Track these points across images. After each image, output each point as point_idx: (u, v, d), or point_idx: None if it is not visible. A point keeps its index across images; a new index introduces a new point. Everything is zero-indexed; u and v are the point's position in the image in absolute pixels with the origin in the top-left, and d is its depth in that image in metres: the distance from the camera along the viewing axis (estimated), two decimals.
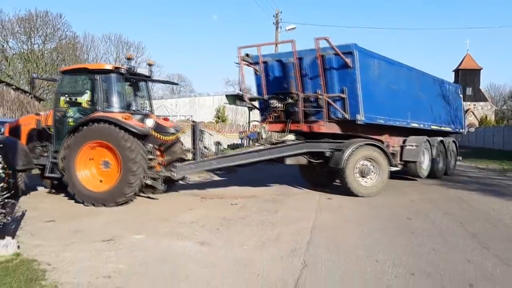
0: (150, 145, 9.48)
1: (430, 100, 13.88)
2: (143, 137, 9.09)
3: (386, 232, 6.84)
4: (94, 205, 8.65)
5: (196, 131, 10.00)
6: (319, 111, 10.49)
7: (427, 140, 12.95)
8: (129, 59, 9.94)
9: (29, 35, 40.05)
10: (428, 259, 5.45)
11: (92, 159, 9.10)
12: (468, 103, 62.13)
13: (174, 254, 5.60)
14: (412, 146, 12.41)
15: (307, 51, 10.50)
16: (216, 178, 13.35)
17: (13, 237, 5.59)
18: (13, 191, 6.37)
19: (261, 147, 11.01)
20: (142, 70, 10.21)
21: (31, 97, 27.08)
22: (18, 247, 5.43)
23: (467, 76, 62.65)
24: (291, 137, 11.39)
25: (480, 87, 64.49)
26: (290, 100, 10.62)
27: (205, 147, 10.27)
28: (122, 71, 9.37)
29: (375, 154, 10.54)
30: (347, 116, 10.20)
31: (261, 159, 10.62)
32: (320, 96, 10.32)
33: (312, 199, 9.99)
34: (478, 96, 63.17)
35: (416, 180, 13.23)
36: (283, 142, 11.12)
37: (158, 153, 10.02)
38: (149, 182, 9.20)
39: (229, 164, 10.36)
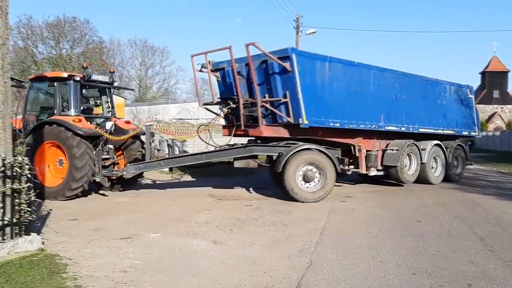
0: (109, 146, 10.62)
1: (418, 102, 13.21)
2: (94, 138, 10.12)
3: (394, 234, 7.00)
4: (49, 199, 9.49)
5: (147, 133, 10.81)
6: (265, 115, 10.61)
7: (413, 144, 12.60)
8: (85, 67, 10.77)
9: (58, 40, 41.19)
10: (432, 260, 5.61)
11: (49, 158, 10.10)
12: (495, 106, 60.99)
13: (188, 252, 5.91)
14: (392, 150, 12.21)
15: (254, 57, 10.45)
16: (234, 180, 13.65)
17: (38, 234, 6.01)
18: (38, 191, 6.86)
19: (209, 150, 11.55)
20: (99, 77, 11.03)
21: None
22: (43, 243, 5.85)
23: (494, 79, 61.45)
24: None
25: (508, 90, 63.09)
26: (231, 105, 10.82)
27: (157, 149, 11.36)
28: (77, 79, 10.19)
29: (319, 159, 10.24)
30: (290, 120, 10.12)
31: (208, 161, 11.00)
32: (254, 101, 10.39)
33: (326, 201, 10.14)
34: (506, 99, 61.81)
35: (433, 184, 13.22)
36: (233, 145, 11.36)
37: (119, 153, 11.16)
38: (97, 179, 10.05)
39: (177, 165, 11.34)
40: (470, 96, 15.46)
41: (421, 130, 13.15)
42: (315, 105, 10.22)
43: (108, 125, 10.72)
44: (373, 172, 12.07)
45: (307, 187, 10.20)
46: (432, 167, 13.52)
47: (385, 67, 12.30)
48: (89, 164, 9.70)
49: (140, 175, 11.45)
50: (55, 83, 10.15)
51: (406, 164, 12.57)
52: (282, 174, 10.09)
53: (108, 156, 10.69)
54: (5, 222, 5.40)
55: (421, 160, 12.87)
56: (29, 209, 5.71)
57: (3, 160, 5.39)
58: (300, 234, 6.95)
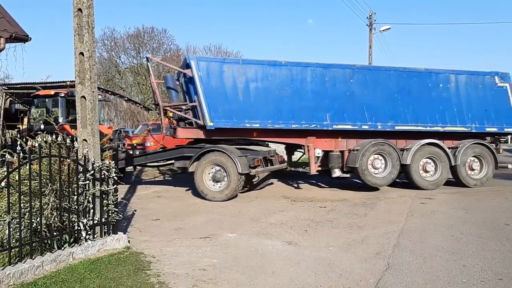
0: None
1: (393, 97, 11.69)
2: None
3: (478, 238, 6.63)
4: None
5: (114, 137, 12.36)
6: (183, 119, 11.54)
7: (384, 143, 11.46)
8: (69, 86, 13.00)
9: (138, 50, 43.54)
10: None
11: None
12: None
13: (263, 251, 6.02)
14: (354, 150, 11.52)
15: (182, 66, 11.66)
16: (308, 183, 13.62)
17: (124, 233, 6.43)
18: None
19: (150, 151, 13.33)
20: None
21: (141, 108, 29.71)
22: (129, 241, 6.24)
23: None
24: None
25: None
26: (157, 110, 12.16)
27: (122, 151, 12.86)
28: (62, 95, 12.25)
29: (223, 160, 10.44)
30: (201, 122, 10.77)
31: (153, 161, 12.35)
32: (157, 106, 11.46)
33: (404, 203, 9.85)
34: None
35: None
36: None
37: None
38: None
39: (133, 164, 12.98)
40: (500, 84, 12.51)
41: (398, 128, 11.71)
42: (223, 107, 10.72)
43: None
44: (336, 174, 11.79)
45: (214, 187, 10.57)
46: (427, 170, 11.90)
47: (333, 63, 11.53)
48: None
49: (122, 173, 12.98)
50: (46, 99, 11.70)
51: (378, 165, 11.51)
52: (194, 175, 10.63)
53: None
54: (95, 221, 5.83)
55: (400, 162, 11.61)
56: (116, 209, 6.12)
57: (93, 164, 5.83)
58: (376, 236, 6.81)
